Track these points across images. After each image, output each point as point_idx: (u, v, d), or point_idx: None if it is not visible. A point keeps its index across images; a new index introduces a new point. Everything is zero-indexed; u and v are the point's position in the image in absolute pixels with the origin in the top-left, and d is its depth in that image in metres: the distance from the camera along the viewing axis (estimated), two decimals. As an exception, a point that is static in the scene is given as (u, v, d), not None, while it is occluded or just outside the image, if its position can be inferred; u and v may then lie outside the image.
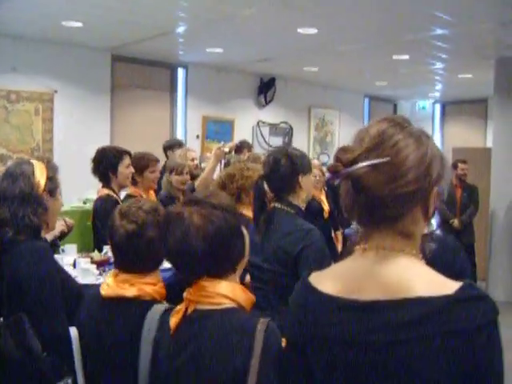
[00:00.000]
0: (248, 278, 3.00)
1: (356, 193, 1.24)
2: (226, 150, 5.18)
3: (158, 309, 1.85)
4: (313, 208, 6.95)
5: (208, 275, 1.71)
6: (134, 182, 4.86)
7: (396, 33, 7.18)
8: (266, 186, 2.99)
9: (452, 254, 2.68)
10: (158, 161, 5.08)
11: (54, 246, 3.65)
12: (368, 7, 6.04)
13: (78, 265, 3.75)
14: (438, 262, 2.55)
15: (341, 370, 1.24)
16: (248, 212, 3.51)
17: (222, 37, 7.60)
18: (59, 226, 3.57)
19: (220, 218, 1.71)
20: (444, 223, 8.54)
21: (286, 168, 2.91)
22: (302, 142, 11.25)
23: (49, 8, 6.26)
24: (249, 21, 6.72)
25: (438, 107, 14.29)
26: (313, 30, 6.99)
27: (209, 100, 9.95)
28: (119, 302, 2.07)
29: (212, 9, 6.20)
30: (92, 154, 4.69)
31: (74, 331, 2.18)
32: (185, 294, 1.73)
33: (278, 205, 2.94)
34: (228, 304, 1.69)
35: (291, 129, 11.25)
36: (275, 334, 1.61)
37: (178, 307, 1.74)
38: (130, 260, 2.12)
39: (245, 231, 1.82)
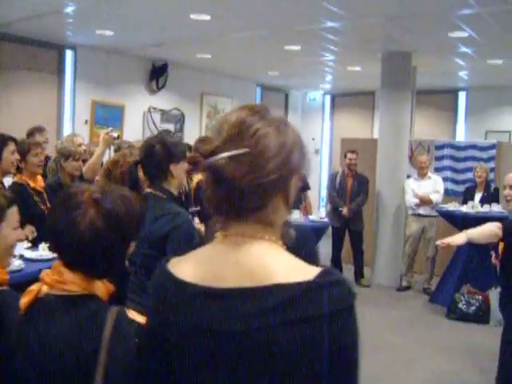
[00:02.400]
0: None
1: (216, 184, 1.22)
2: (115, 135, 5.05)
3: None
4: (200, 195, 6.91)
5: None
6: (19, 169, 4.71)
7: (288, 23, 7.26)
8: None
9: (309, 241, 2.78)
10: (40, 144, 4.95)
11: None
12: (261, -4, 6.07)
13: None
14: (300, 249, 2.65)
15: (200, 358, 1.21)
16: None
17: (112, 19, 7.39)
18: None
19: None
20: (334, 211, 8.79)
21: (159, 155, 2.97)
22: (193, 129, 11.19)
23: None
24: (140, 4, 6.57)
25: (328, 98, 14.64)
26: (206, 17, 6.93)
27: (98, 84, 9.65)
28: None
29: (102, -11, 6.01)
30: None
31: None
32: (41, 275, 1.70)
33: (149, 190, 3.03)
34: (81, 291, 1.67)
35: (183, 116, 11.15)
36: (126, 321, 1.62)
37: (31, 287, 1.69)
38: None
39: None
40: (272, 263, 1.20)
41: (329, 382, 1.17)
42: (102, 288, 1.73)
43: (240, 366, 1.17)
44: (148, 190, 3.03)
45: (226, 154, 1.18)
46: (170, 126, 10.82)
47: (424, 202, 8.25)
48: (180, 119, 11.12)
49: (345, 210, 8.61)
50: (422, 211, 8.36)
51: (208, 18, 6.95)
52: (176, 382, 1.27)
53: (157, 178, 3.02)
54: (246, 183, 1.19)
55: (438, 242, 3.80)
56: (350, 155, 8.75)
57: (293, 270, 1.18)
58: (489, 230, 3.67)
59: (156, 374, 1.32)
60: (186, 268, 1.27)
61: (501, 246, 3.70)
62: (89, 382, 1.54)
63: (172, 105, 10.92)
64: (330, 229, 8.42)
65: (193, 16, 6.89)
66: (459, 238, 3.66)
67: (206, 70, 11.29)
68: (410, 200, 8.40)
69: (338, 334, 1.15)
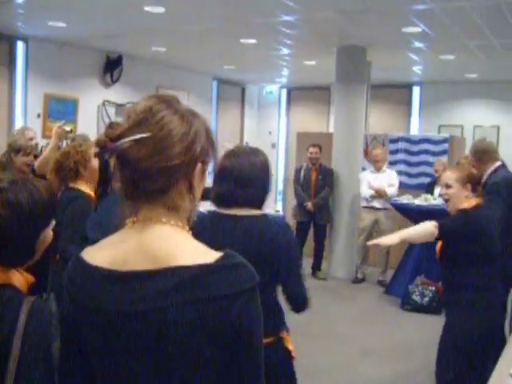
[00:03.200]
0: None
1: (121, 167, 1.28)
2: (68, 128, 4.96)
3: None
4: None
5: None
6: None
7: (243, 16, 7.24)
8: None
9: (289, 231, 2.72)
10: None
11: None
12: (216, -11, 6.04)
13: None
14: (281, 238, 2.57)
15: (108, 340, 1.26)
16: (86, 188, 3.76)
17: (64, 10, 7.24)
18: None
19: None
20: (299, 205, 8.81)
21: None
22: (149, 124, 11.06)
23: None
24: (93, -5, 6.46)
25: (284, 92, 14.68)
26: (160, 9, 6.86)
27: (51, 77, 9.47)
28: None
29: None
30: None
31: None
32: None
33: None
34: None
35: (139, 109, 11.00)
36: (43, 310, 1.69)
37: None
38: None
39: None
40: (175, 247, 1.25)
41: (228, 366, 1.23)
42: (20, 278, 1.78)
43: (140, 346, 1.22)
44: None
45: (130, 138, 1.24)
46: (125, 120, 10.69)
47: (379, 194, 8.34)
48: (135, 113, 10.98)
49: (309, 205, 8.65)
50: (376, 204, 8.45)
51: (162, 10, 6.88)
52: (94, 365, 1.33)
53: None
54: (148, 165, 1.24)
55: (369, 243, 3.76)
56: (311, 149, 8.79)
57: (195, 253, 1.24)
58: (424, 230, 3.63)
59: (75, 359, 1.37)
60: (99, 254, 1.32)
61: (438, 244, 3.73)
62: (1, 371, 1.57)
63: (127, 98, 10.76)
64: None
65: (147, 8, 6.81)
66: (391, 239, 3.58)
67: (162, 63, 11.19)
68: (365, 191, 8.48)
69: (237, 316, 1.19)
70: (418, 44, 8.49)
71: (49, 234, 1.90)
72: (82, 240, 3.58)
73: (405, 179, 9.57)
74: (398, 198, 8.33)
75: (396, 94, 13.02)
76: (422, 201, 7.80)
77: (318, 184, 8.74)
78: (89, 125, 9.73)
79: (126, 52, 10.23)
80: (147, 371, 1.23)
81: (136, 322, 1.21)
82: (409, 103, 13.06)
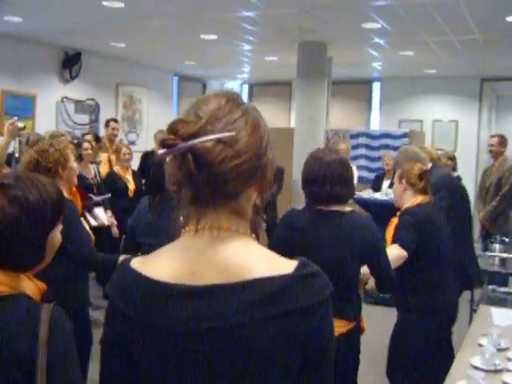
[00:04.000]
0: None
1: (197, 168, 1.13)
2: (21, 125, 4.84)
3: None
4: (117, 186, 6.88)
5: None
6: None
7: (204, 12, 7.19)
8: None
9: None
10: None
11: None
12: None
13: None
14: None
15: (177, 361, 1.16)
16: (65, 192, 3.37)
17: (20, 5, 7.09)
18: None
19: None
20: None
21: None
22: (109, 120, 10.97)
23: None
24: (50, -11, 6.34)
25: (245, 88, 14.66)
26: (119, 4, 6.76)
27: (7, 73, 9.27)
28: None
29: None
30: None
31: None
32: None
33: None
34: (9, 292, 1.61)
35: (98, 106, 10.86)
36: (62, 317, 1.58)
37: None
38: None
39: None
40: (249, 258, 1.17)
41: (304, 377, 1.17)
42: (31, 285, 1.68)
43: (222, 363, 1.13)
44: None
45: (212, 137, 1.12)
46: (85, 117, 10.56)
47: None
48: (95, 110, 10.84)
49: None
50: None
51: (121, 5, 6.79)
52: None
53: None
54: (229, 167, 1.14)
55: (365, 289, 3.57)
56: None
57: (271, 264, 1.16)
58: (394, 257, 3.34)
59: (123, 380, 1.25)
60: (157, 267, 1.20)
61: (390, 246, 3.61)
62: None
63: (86, 95, 10.64)
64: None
65: (105, 3, 6.72)
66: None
67: (122, 59, 11.06)
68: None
69: (318, 325, 1.15)
70: (377, 40, 8.57)
71: (57, 236, 1.79)
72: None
73: (366, 174, 9.66)
74: (359, 193, 8.39)
75: (357, 89, 13.12)
76: (383, 195, 7.87)
77: None
78: (47, 122, 9.56)
79: (84, 48, 10.07)
80: None
81: (214, 340, 1.12)
82: (369, 99, 13.19)
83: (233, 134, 1.15)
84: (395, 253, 3.44)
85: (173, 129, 1.13)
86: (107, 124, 8.19)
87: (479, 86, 12.19)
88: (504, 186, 6.42)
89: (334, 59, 9.71)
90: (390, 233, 3.72)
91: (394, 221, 3.80)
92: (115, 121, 8.35)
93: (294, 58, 9.13)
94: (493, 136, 7.41)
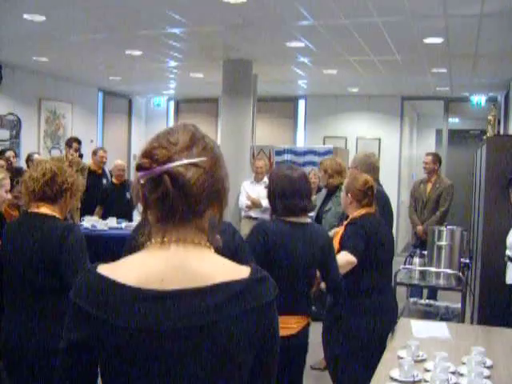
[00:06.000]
0: None
1: (174, 189, 1.27)
2: None
3: None
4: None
5: None
6: None
7: (129, 28, 7.13)
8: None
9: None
10: None
11: None
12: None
13: None
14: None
15: (147, 358, 1.26)
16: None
17: None
18: None
19: None
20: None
21: None
22: (31, 136, 10.72)
23: None
24: (-33, 1, 6.14)
25: (172, 104, 14.60)
26: (40, 17, 6.61)
27: None
28: None
29: None
30: None
31: None
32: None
33: None
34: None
35: (19, 121, 10.56)
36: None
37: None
38: None
39: None
40: (212, 266, 1.33)
41: (256, 366, 1.36)
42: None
43: (196, 360, 1.27)
44: None
45: (187, 161, 1.29)
46: (5, 133, 10.24)
47: (254, 204, 8.43)
48: (16, 125, 10.54)
49: None
50: (252, 214, 8.54)
51: (43, 18, 6.64)
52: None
53: None
54: (202, 188, 1.30)
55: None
56: None
57: (230, 270, 1.34)
58: (342, 263, 3.62)
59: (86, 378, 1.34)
60: (126, 273, 1.30)
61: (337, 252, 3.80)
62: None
63: (7, 109, 10.33)
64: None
65: (26, 16, 6.55)
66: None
67: (44, 74, 10.83)
68: (243, 201, 8.57)
69: (269, 323, 1.35)
70: (302, 59, 8.72)
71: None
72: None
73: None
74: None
75: (282, 106, 13.30)
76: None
77: None
78: (-35, 137, 9.23)
79: (5, 61, 9.79)
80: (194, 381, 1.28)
81: (189, 338, 1.26)
82: (295, 116, 13.37)
83: (204, 159, 1.32)
84: (345, 259, 3.70)
85: (148, 154, 1.29)
86: (95, 153, 8.58)
87: (400, 104, 12.58)
88: (442, 205, 7.50)
89: (259, 76, 9.81)
90: (336, 241, 3.88)
91: (340, 230, 4.00)
92: (104, 150, 8.71)
93: (220, 74, 9.17)
94: (428, 154, 8.00)
